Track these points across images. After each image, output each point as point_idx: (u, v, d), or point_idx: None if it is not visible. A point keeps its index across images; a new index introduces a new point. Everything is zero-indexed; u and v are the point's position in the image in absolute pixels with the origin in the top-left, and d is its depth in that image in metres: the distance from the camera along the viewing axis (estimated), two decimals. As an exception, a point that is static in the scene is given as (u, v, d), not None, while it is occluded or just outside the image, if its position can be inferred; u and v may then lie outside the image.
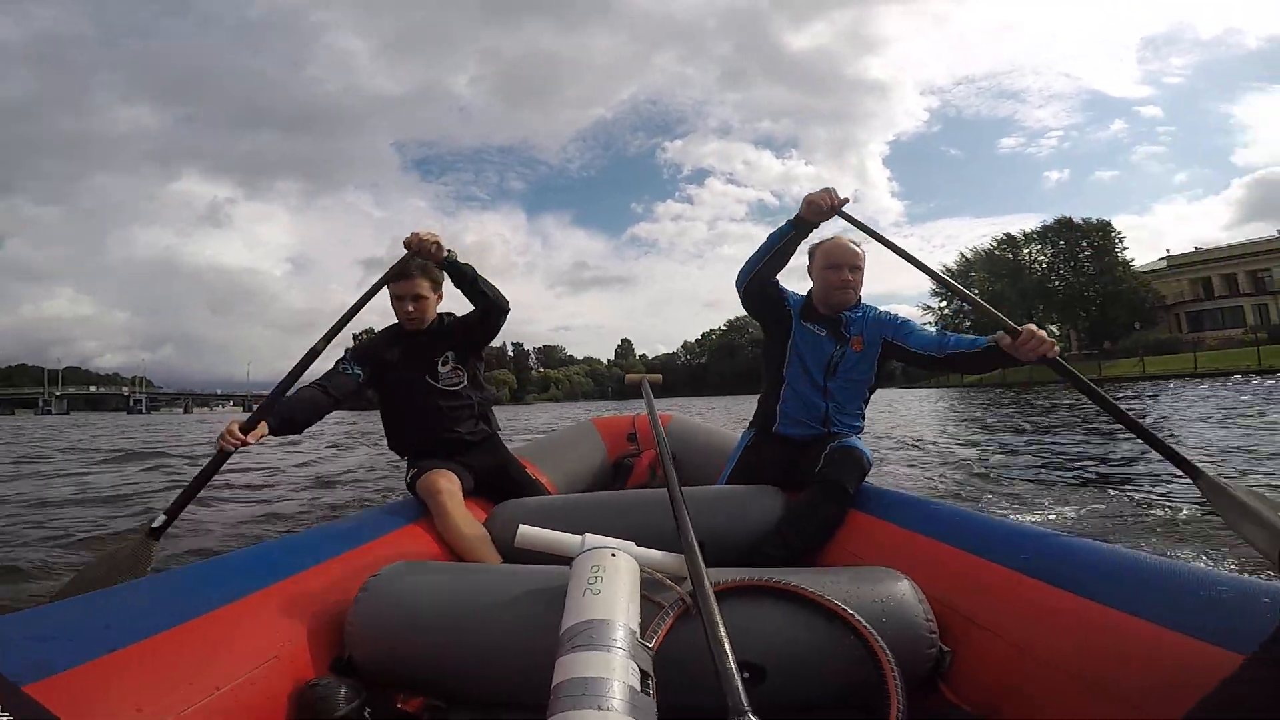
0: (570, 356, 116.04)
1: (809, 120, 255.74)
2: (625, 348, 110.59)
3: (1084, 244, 43.69)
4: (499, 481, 2.18)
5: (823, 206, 1.78)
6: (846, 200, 1.81)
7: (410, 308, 2.03)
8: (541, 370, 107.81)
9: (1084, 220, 44.30)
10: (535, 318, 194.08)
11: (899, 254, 1.85)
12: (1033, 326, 1.57)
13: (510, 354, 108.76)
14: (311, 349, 1.75)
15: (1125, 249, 43.06)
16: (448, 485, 1.84)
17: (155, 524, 1.52)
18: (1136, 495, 3.54)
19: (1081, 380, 1.52)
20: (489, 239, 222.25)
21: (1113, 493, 3.67)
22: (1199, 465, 1.42)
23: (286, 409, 1.78)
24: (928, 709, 1.08)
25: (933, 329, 1.96)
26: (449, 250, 1.92)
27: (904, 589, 1.14)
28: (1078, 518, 3.14)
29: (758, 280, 1.97)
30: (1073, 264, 44.09)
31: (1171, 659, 0.81)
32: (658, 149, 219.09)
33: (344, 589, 1.24)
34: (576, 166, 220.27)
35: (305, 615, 1.17)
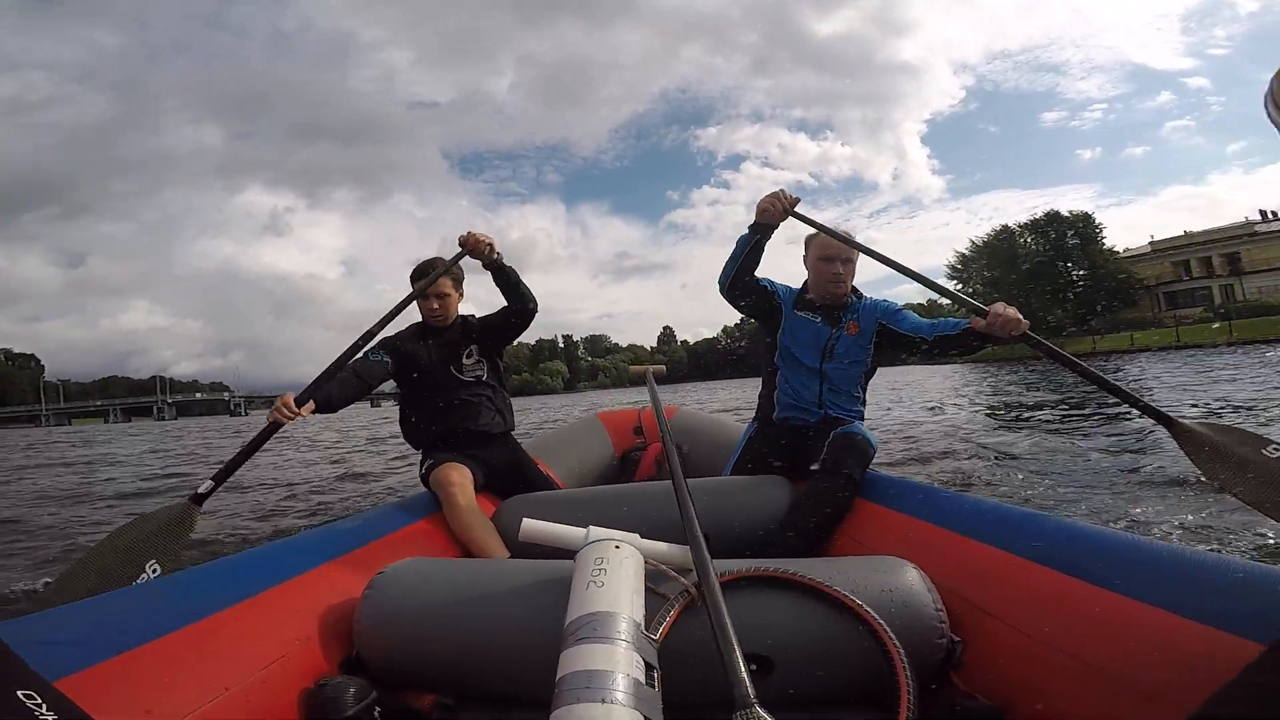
0: (615, 345, 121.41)
1: (842, 103, 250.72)
2: (667, 334, 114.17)
3: (1069, 233, 47.30)
4: (510, 477, 2.20)
5: (774, 210, 1.84)
6: (798, 200, 1.87)
7: (435, 304, 2.15)
8: (589, 359, 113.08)
9: (1070, 212, 47.83)
10: (579, 307, 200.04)
11: (866, 252, 1.97)
12: (1000, 305, 1.62)
13: (561, 345, 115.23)
14: (367, 332, 1.89)
15: (1105, 237, 46.66)
16: (460, 478, 1.89)
17: (201, 489, 1.56)
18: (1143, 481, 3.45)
19: (1054, 350, 1.64)
20: (532, 234, 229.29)
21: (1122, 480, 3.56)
22: (1171, 415, 1.48)
23: (324, 391, 1.88)
24: (940, 700, 1.04)
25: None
26: (498, 253, 2.05)
27: (913, 578, 1.10)
28: (1089, 504, 3.05)
29: (735, 284, 2.02)
30: (1061, 251, 47.29)
31: (1188, 648, 0.78)
32: (691, 138, 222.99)
33: (354, 586, 1.23)
34: (610, 157, 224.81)
35: (315, 613, 1.17)
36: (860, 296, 2.10)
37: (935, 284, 2.01)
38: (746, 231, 1.96)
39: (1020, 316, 1.61)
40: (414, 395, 2.23)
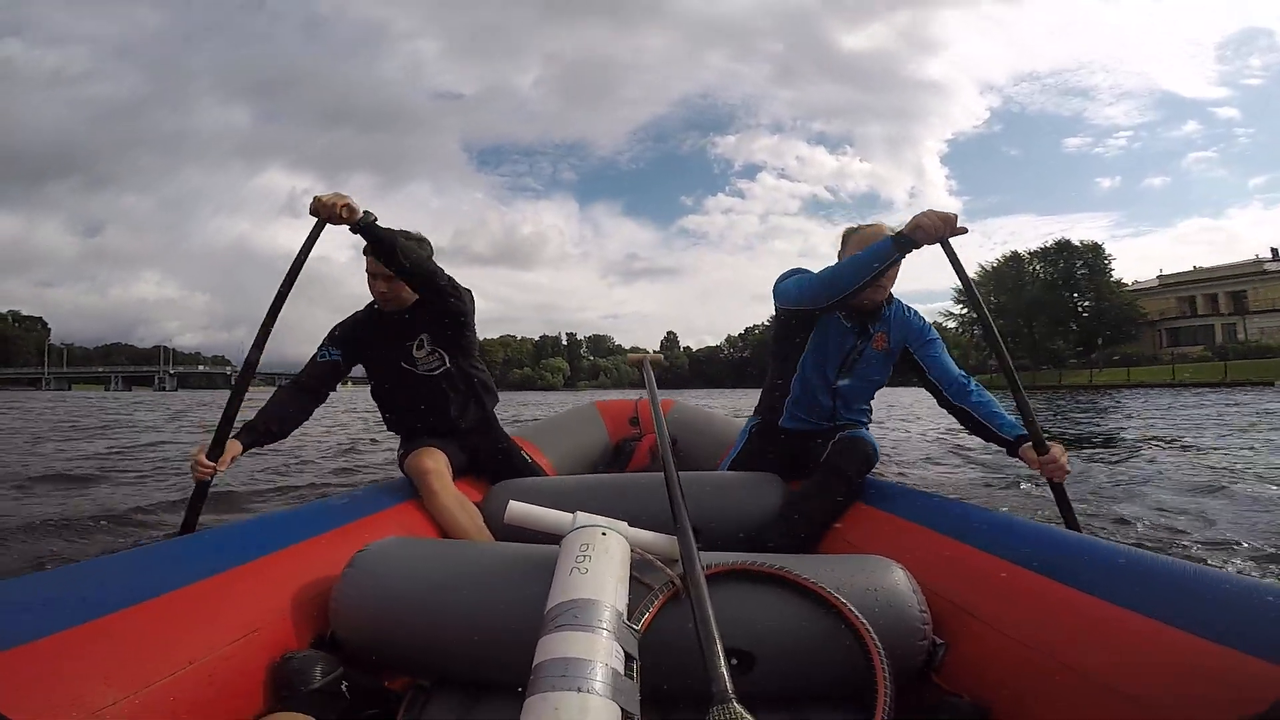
0: (618, 346, 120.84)
1: (864, 117, 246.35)
2: (671, 340, 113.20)
3: (1079, 263, 47.16)
4: (495, 463, 2.08)
5: (933, 230, 1.56)
6: (963, 231, 1.58)
7: (382, 286, 1.86)
8: (591, 359, 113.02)
9: (1081, 242, 47.96)
10: (587, 305, 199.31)
11: (977, 310, 1.71)
12: (1059, 449, 1.49)
13: (565, 343, 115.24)
14: (246, 361, 1.58)
15: (1113, 269, 46.52)
16: (434, 465, 1.76)
17: None
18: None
19: (1068, 508, 1.51)
20: (545, 230, 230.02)
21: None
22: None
23: (261, 421, 1.67)
24: (921, 700, 1.03)
25: (955, 366, 1.84)
26: (364, 211, 1.64)
27: (898, 578, 1.09)
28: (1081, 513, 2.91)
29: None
30: (1069, 281, 47.38)
31: (1173, 655, 0.77)
32: (709, 145, 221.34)
33: (331, 565, 1.20)
34: (627, 158, 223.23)
35: (289, 590, 1.14)
36: (891, 303, 1.93)
37: (1007, 362, 1.61)
38: (886, 243, 1.62)
39: (1068, 467, 1.51)
40: (377, 385, 2.02)
